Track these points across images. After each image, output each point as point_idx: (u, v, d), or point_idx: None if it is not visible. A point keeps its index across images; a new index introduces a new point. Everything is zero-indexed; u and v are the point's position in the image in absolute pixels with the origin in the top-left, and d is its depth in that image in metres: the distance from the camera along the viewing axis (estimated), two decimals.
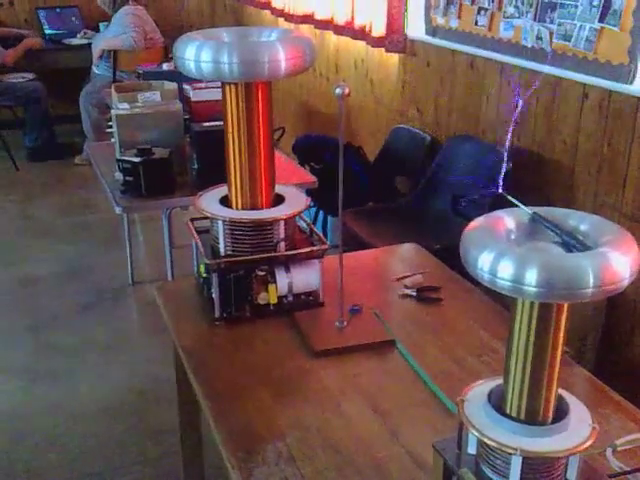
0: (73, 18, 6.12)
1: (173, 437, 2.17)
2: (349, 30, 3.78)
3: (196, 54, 1.51)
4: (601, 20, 2.30)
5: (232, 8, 6.08)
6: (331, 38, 4.19)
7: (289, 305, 1.67)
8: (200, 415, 1.90)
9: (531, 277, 0.88)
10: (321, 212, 3.70)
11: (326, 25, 4.03)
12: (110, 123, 2.74)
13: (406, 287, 1.79)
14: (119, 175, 2.52)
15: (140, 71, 3.35)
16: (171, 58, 3.64)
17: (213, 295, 1.63)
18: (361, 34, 3.64)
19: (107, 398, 2.68)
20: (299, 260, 1.66)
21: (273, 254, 1.64)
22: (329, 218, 3.71)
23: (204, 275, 1.71)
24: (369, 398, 1.39)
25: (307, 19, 4.25)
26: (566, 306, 0.97)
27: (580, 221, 1.00)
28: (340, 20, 3.86)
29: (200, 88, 2.82)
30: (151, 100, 2.72)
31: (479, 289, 1.75)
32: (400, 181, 3.54)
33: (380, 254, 2.09)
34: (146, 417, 2.57)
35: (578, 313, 2.31)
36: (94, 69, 5.08)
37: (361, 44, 3.76)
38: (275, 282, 1.64)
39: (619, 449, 1.19)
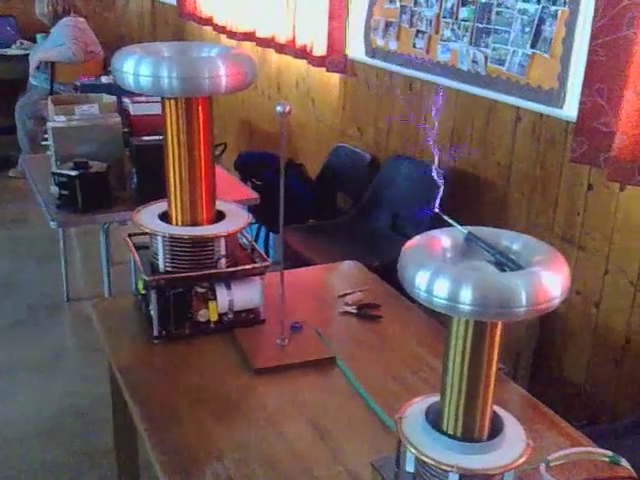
0: (8, 28, 5.96)
1: (111, 459, 2.11)
2: (290, 49, 3.80)
3: (135, 68, 1.49)
4: (533, 46, 2.38)
5: (174, 23, 6.04)
6: (273, 56, 4.21)
7: (230, 322, 1.66)
8: (137, 437, 1.86)
9: (466, 296, 0.90)
10: (263, 229, 3.70)
11: (268, 43, 4.05)
12: (46, 136, 2.67)
13: (347, 304, 1.80)
14: (55, 189, 2.46)
15: (78, 83, 3.29)
16: (110, 71, 3.59)
17: (151, 312, 1.60)
18: (302, 53, 3.67)
19: (42, 419, 2.59)
20: (240, 277, 1.65)
21: (214, 271, 1.62)
22: (271, 235, 3.71)
23: (142, 292, 1.68)
24: (309, 416, 1.39)
25: (249, 37, 4.26)
26: (500, 324, 0.99)
27: (513, 241, 1.04)
28: (281, 39, 3.88)
29: (140, 102, 2.78)
30: (89, 113, 2.67)
31: (418, 306, 1.77)
32: (341, 198, 3.57)
33: (321, 271, 2.10)
34: (83, 439, 2.49)
35: (512, 331, 2.37)
36: (31, 80, 4.96)
37: (302, 63, 3.79)
38: (215, 299, 1.62)
39: (552, 464, 1.22)
